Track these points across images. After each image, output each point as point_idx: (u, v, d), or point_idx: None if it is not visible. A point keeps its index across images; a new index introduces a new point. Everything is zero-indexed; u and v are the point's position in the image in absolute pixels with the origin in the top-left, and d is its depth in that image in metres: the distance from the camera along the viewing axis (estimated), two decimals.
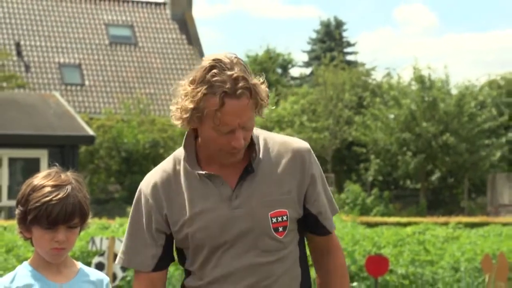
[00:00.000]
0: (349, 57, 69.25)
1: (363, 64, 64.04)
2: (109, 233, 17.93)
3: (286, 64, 70.07)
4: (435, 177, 44.04)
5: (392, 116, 45.67)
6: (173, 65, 54.70)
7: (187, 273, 4.09)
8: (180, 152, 4.00)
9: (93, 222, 19.81)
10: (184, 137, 3.95)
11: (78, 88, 51.59)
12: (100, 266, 11.72)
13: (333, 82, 51.30)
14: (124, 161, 44.87)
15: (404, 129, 44.48)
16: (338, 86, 50.85)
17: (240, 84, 3.69)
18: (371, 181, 46.44)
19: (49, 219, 4.20)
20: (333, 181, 41.33)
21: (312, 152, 4.09)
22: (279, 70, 68.31)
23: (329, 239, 4.13)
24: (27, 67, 51.89)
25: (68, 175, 4.35)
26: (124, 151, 44.89)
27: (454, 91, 47.21)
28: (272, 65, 66.80)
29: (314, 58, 67.66)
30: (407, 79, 49.31)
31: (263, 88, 3.86)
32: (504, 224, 25.76)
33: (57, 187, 4.25)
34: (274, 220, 3.95)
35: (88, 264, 4.12)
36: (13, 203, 4.69)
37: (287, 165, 3.97)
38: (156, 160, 45.04)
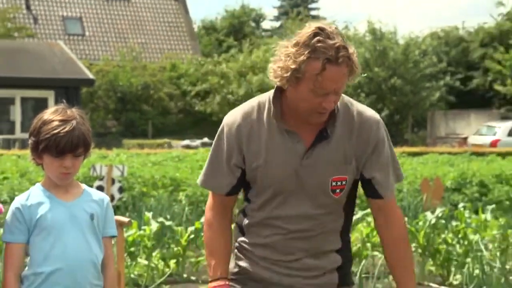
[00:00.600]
0: (313, 12, 68.76)
1: (324, 18, 63.62)
2: (107, 161, 17.90)
3: (258, 18, 69.47)
4: (384, 114, 43.74)
5: None
6: (161, 18, 54.11)
7: (248, 200, 4.02)
8: (264, 101, 3.87)
9: (93, 152, 19.75)
10: (273, 91, 3.82)
11: (80, 38, 51.06)
12: (100, 189, 11.76)
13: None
14: (120, 100, 44.76)
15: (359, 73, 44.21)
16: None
17: (341, 53, 3.58)
18: None
19: (58, 149, 4.24)
20: None
21: (382, 123, 3.98)
22: (253, 24, 67.71)
23: (384, 204, 3.95)
24: (35, 19, 51.33)
25: (73, 111, 4.36)
26: (119, 92, 44.78)
27: (401, 42, 46.98)
28: (246, 19, 66.23)
29: (283, 13, 67.10)
30: (362, 31, 49.22)
31: (356, 57, 3.69)
32: (440, 153, 25.74)
33: (64, 121, 4.27)
34: (334, 183, 3.88)
35: (90, 187, 4.13)
36: (25, 135, 4.72)
37: (356, 135, 3.87)
38: (147, 100, 44.92)
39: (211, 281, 3.99)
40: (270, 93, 3.85)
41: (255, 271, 4.00)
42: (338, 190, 3.90)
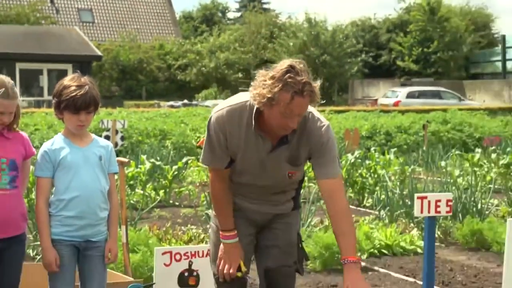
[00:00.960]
0: (265, 6, 68.29)
1: (274, 10, 63.41)
2: (112, 117, 17.79)
3: (224, 10, 69.00)
4: (317, 82, 43.89)
5: (291, 43, 45.35)
6: (151, 9, 53.16)
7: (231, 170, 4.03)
8: (245, 110, 3.79)
9: (101, 110, 19.61)
10: (254, 110, 3.71)
11: (90, 24, 50.44)
12: (107, 138, 11.76)
13: (255, 22, 50.85)
14: (121, 71, 44.52)
15: (299, 52, 44.21)
16: (257, 25, 50.38)
17: (306, 88, 3.56)
18: None
19: (75, 107, 4.23)
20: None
21: (327, 131, 3.86)
22: (220, 14, 67.25)
23: (328, 186, 3.85)
24: (57, 11, 50.71)
25: (86, 79, 4.36)
26: (120, 65, 44.50)
27: (330, 28, 46.95)
28: (215, 11, 65.88)
29: (243, 6, 66.63)
30: (301, 20, 49.14)
31: (318, 92, 3.65)
32: (358, 111, 25.81)
33: (79, 86, 4.26)
34: (289, 174, 3.93)
35: (99, 136, 4.13)
36: (51, 98, 4.69)
37: (308, 141, 3.84)
38: (141, 71, 44.74)
39: (225, 232, 4.02)
40: (250, 103, 3.79)
41: (243, 204, 4.06)
42: (292, 177, 3.98)
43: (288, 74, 3.56)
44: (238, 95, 3.96)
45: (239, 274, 3.96)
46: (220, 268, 4.01)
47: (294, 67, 3.59)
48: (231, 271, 3.95)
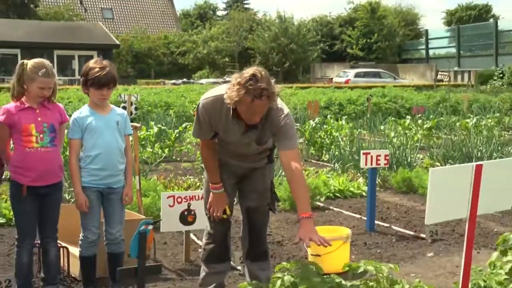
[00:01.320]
0: (246, 5, 67.44)
1: (253, 9, 62.88)
2: (128, 92, 17.64)
3: (214, 9, 68.11)
4: (286, 65, 43.83)
5: (266, 35, 45.03)
6: (157, 9, 52.80)
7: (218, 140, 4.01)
8: (225, 100, 3.69)
9: (119, 87, 19.46)
10: (232, 104, 3.65)
11: (111, 20, 49.70)
12: (124, 108, 11.63)
13: (238, 18, 50.37)
14: (134, 57, 44.07)
15: (272, 41, 44.01)
16: (240, 20, 49.90)
17: (264, 93, 3.51)
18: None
19: (99, 84, 4.23)
20: (237, 68, 40.93)
21: (287, 117, 3.81)
22: (211, 12, 66.46)
23: (286, 156, 3.78)
24: (85, 10, 50.16)
25: (107, 62, 4.34)
26: (134, 52, 44.04)
27: (296, 23, 46.67)
28: (208, 10, 65.14)
29: (228, 6, 65.81)
30: (274, 16, 48.85)
31: (276, 92, 3.62)
32: (318, 87, 25.88)
33: (102, 68, 4.25)
34: (258, 148, 3.93)
35: (117, 107, 4.12)
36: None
37: (270, 126, 3.80)
38: (150, 56, 44.31)
39: (213, 184, 4.03)
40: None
41: (227, 161, 4.05)
42: (261, 152, 4.00)
43: (250, 82, 3.51)
44: (221, 86, 3.89)
45: (224, 216, 4.01)
46: (210, 211, 4.03)
47: (256, 75, 3.54)
48: (218, 214, 3.98)
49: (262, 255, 4.08)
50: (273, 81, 3.65)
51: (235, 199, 4.24)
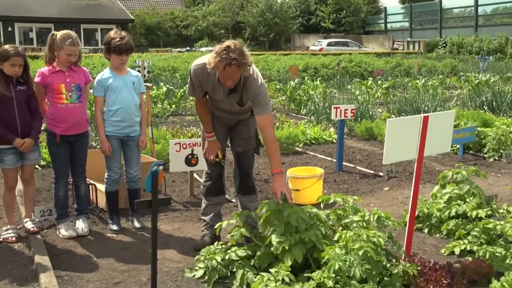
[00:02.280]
0: None
1: None
2: (141, 59, 17.40)
3: None
4: (271, 36, 43.12)
5: (254, 11, 44.14)
6: None
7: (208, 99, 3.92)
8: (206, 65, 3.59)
9: (134, 54, 19.19)
10: (210, 69, 3.55)
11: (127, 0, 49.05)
12: (138, 71, 11.51)
13: None
14: (146, 30, 43.04)
15: (259, 16, 43.24)
16: None
17: (233, 62, 3.41)
18: (246, 38, 45.32)
19: (119, 51, 4.18)
20: (231, 38, 40.44)
21: (260, 85, 3.68)
22: None
23: (261, 120, 3.69)
24: None
25: (125, 33, 4.29)
26: (146, 26, 43.12)
27: (279, 1, 45.77)
28: None
29: None
30: None
31: (248, 62, 3.50)
32: (297, 54, 25.59)
33: (121, 38, 4.21)
34: (240, 108, 3.81)
35: (132, 70, 4.06)
36: (103, 46, 4.64)
37: (248, 91, 3.68)
38: (159, 29, 43.45)
39: (207, 133, 3.98)
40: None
41: (219, 115, 3.97)
42: (243, 108, 3.84)
43: (224, 52, 3.45)
44: (209, 54, 3.76)
45: (217, 159, 3.99)
46: (205, 155, 4.03)
47: (230, 47, 3.46)
48: (212, 157, 3.98)
49: (250, 190, 4.10)
50: (247, 53, 3.56)
51: (226, 146, 4.23)
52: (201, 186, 4.22)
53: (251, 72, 3.68)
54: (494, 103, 10.21)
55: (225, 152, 4.12)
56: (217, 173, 4.09)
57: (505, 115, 9.74)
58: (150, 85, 6.16)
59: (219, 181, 4.11)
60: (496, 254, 3.63)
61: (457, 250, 3.84)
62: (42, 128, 4.25)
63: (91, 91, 4.54)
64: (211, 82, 3.74)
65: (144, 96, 4.61)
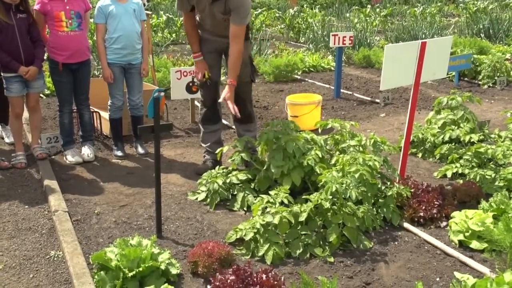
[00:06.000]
0: None
1: None
2: None
3: None
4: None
5: None
6: None
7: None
8: None
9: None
10: None
11: None
12: None
13: None
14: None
15: None
16: None
17: None
18: None
19: None
20: None
21: (244, 1, 3.56)
22: None
23: (234, 30, 3.60)
24: None
25: None
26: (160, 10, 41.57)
27: None
28: None
29: None
30: None
31: None
32: None
33: None
34: (224, 19, 3.64)
35: None
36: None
37: (229, 4, 3.54)
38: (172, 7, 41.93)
39: (194, 53, 3.91)
40: None
41: (207, 37, 3.88)
42: (225, 20, 3.67)
43: None
44: None
45: (204, 79, 3.94)
46: (195, 75, 4.00)
47: None
48: (200, 77, 3.93)
49: (248, 118, 4.06)
50: None
51: (215, 66, 4.08)
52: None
53: None
54: (491, 30, 10.01)
55: (215, 74, 4.01)
56: (211, 100, 4.03)
57: (501, 42, 9.59)
58: (150, 13, 5.99)
59: (213, 107, 4.06)
60: (486, 176, 3.67)
61: (449, 173, 3.88)
62: (45, 57, 4.18)
63: (91, 20, 4.43)
64: None
65: (145, 25, 4.50)
